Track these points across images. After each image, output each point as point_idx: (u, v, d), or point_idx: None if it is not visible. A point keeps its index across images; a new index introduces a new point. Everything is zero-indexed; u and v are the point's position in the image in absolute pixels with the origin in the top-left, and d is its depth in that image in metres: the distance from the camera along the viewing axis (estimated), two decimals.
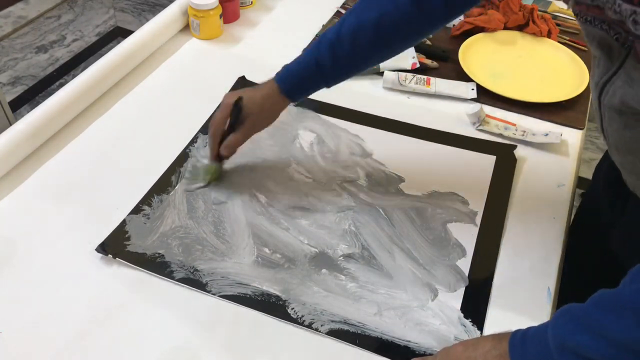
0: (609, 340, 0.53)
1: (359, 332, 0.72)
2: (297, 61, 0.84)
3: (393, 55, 0.86)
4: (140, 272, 0.77)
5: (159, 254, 0.79)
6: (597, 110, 0.70)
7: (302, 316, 0.73)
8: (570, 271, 0.86)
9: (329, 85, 0.85)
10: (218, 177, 0.89)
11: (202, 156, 0.93)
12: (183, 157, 0.93)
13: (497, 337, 0.63)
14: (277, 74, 0.84)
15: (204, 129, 0.99)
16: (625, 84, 0.62)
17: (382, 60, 0.88)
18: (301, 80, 0.83)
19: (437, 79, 1.11)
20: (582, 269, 0.92)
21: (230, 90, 0.86)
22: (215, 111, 0.84)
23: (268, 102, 0.84)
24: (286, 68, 0.84)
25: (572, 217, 0.94)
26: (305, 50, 0.83)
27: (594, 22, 0.62)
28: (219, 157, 0.88)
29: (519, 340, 0.60)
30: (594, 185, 0.96)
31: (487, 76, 1.13)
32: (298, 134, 0.99)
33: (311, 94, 0.86)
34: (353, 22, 0.79)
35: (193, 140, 0.97)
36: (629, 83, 0.61)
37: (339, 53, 0.80)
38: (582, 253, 0.92)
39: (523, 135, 1.00)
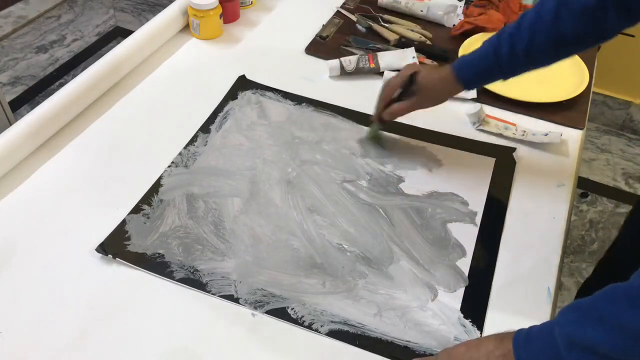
0: (623, 330, 0.52)
1: (358, 332, 0.72)
2: (476, 51, 0.85)
3: (570, 54, 0.83)
4: (140, 272, 0.77)
5: (159, 254, 0.79)
6: None
7: (302, 316, 0.73)
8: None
9: (505, 77, 0.85)
10: (377, 137, 0.97)
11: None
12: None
13: (499, 337, 0.63)
14: (455, 61, 0.87)
15: (203, 128, 0.99)
16: None
17: (559, 59, 0.84)
18: (478, 68, 0.85)
19: None
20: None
21: (394, 81, 0.90)
22: (392, 78, 0.91)
23: (441, 84, 0.87)
24: (464, 57, 0.86)
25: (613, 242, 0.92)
26: (485, 41, 0.85)
27: None
28: (380, 120, 0.94)
29: (523, 340, 0.60)
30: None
31: None
32: (298, 133, 0.99)
33: (486, 83, 0.91)
34: (532, 14, 0.79)
35: (193, 140, 0.97)
36: None
37: (517, 45, 0.80)
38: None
39: (523, 135, 1.00)
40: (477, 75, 0.86)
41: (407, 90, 0.90)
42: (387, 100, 0.91)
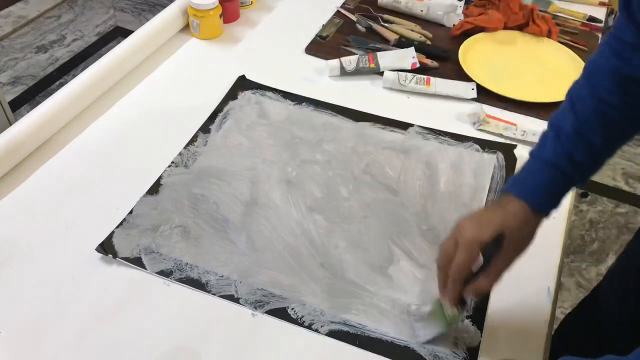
0: None
1: (358, 332, 0.72)
2: (537, 169, 0.68)
3: None
4: (140, 272, 0.77)
5: (159, 253, 0.79)
6: None
7: (302, 317, 0.73)
8: None
9: (583, 183, 0.69)
10: (456, 320, 0.71)
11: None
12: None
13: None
14: (517, 189, 0.68)
15: (203, 128, 0.99)
16: None
17: (636, 133, 0.70)
18: (556, 188, 0.68)
19: (437, 78, 1.11)
20: None
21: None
22: (449, 246, 0.68)
23: (527, 228, 0.67)
24: (526, 181, 0.68)
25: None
26: (532, 153, 0.69)
27: None
28: (462, 302, 0.70)
29: None
30: None
31: (487, 76, 1.13)
32: (298, 133, 0.99)
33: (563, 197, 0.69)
34: (590, 100, 0.66)
35: (193, 140, 0.97)
36: None
37: (592, 141, 0.66)
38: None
39: (523, 135, 1.00)
40: (556, 196, 0.68)
41: (493, 256, 0.68)
42: (463, 278, 0.67)
